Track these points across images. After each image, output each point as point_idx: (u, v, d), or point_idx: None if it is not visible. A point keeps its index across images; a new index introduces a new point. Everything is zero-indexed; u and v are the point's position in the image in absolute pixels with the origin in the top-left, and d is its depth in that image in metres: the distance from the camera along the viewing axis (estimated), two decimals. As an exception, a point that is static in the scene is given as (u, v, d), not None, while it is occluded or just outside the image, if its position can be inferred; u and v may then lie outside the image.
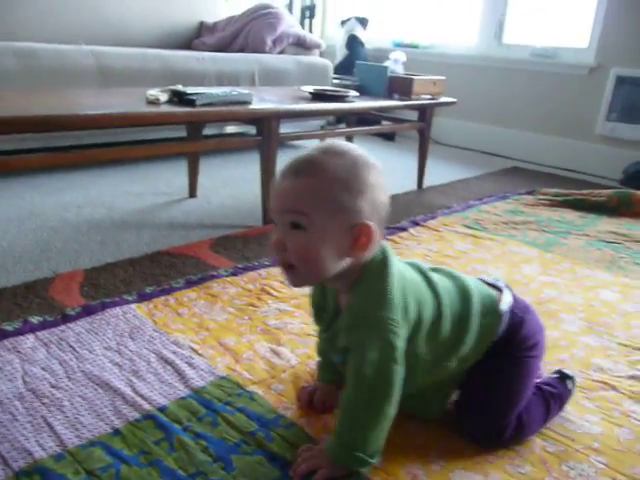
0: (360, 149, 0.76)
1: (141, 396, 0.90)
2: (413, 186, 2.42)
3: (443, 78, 2.32)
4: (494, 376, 0.85)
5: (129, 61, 2.25)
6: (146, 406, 0.88)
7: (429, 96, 2.28)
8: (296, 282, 0.78)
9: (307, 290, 0.91)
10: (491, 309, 0.84)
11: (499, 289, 0.89)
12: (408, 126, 2.36)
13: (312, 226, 0.71)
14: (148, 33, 2.94)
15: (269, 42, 2.90)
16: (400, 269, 0.78)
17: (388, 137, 3.51)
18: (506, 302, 0.86)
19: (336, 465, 0.75)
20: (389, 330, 0.72)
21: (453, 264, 1.55)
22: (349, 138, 2.57)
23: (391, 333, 0.72)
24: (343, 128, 2.49)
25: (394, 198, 2.20)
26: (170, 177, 2.30)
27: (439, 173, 2.67)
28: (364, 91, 2.20)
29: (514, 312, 0.86)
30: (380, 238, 0.76)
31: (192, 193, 2.06)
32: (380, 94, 2.20)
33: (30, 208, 1.81)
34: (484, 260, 1.61)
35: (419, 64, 3.32)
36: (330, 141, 0.76)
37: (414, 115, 2.36)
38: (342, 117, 3.36)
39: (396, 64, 2.37)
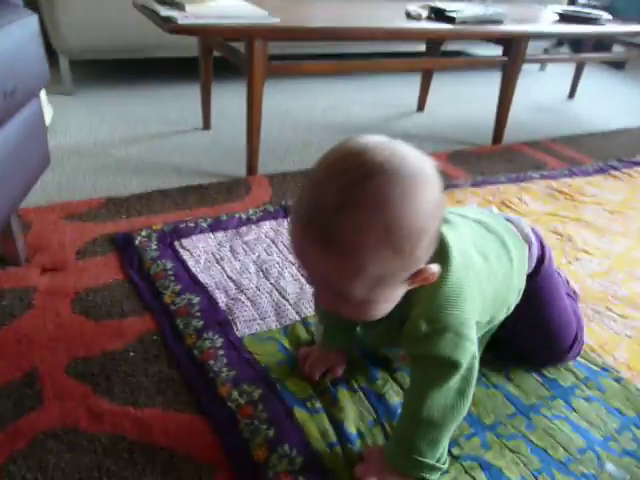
0: (406, 154, 0.55)
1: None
2: (650, 120, 2.28)
3: None
4: (532, 310, 0.82)
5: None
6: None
7: (691, 21, 2.07)
8: None
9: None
10: (516, 239, 0.78)
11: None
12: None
13: (360, 299, 0.59)
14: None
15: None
16: (460, 248, 0.67)
17: (617, 65, 3.24)
18: (527, 227, 0.81)
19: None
20: (468, 326, 0.65)
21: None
22: (580, 66, 2.45)
23: (471, 329, 0.65)
24: (569, 54, 2.35)
25: (627, 132, 2.14)
26: (396, 90, 2.43)
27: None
28: (615, 13, 2.07)
29: (542, 243, 0.82)
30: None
31: (420, 107, 2.18)
32: (634, 17, 2.06)
33: (284, 108, 2.08)
34: None
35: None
36: (361, 161, 0.53)
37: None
38: (563, 41, 3.16)
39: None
